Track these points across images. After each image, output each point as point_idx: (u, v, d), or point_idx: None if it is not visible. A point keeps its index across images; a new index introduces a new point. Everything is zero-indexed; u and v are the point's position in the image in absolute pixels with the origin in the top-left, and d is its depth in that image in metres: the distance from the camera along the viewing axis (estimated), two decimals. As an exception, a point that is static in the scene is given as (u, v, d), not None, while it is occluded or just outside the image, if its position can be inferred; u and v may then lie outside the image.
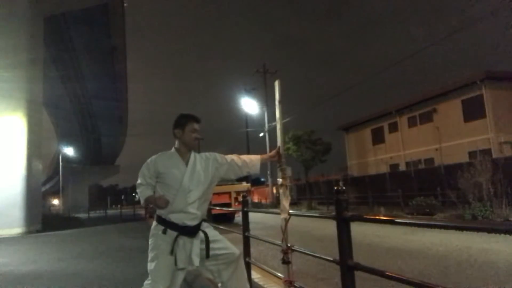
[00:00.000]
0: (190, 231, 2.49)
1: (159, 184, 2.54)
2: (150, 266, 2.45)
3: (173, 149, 2.61)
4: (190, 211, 2.49)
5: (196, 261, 2.45)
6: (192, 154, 2.60)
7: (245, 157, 2.78)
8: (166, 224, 2.47)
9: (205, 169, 2.60)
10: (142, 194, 2.50)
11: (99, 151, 53.09)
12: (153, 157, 2.59)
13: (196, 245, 2.48)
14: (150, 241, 2.51)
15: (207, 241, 2.51)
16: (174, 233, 2.44)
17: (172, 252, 2.41)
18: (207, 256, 2.50)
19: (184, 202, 2.48)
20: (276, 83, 2.88)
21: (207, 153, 2.70)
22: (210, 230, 2.64)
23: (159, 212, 2.52)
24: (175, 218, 2.47)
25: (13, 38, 15.59)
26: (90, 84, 35.53)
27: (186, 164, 2.54)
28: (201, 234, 2.53)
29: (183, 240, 2.45)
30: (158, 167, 2.52)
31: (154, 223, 2.55)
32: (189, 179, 2.50)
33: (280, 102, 2.86)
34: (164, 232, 2.45)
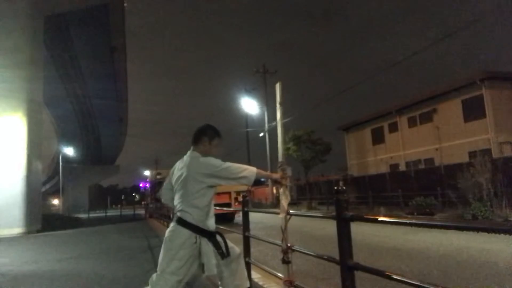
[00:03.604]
0: (213, 235, 2.55)
1: (211, 189, 2.55)
2: (169, 269, 2.43)
3: (199, 154, 2.61)
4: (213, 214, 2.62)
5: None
6: None
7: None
8: (202, 232, 2.48)
9: None
10: (248, 171, 2.52)
11: (99, 151, 53.13)
12: (211, 154, 2.62)
13: (212, 248, 2.53)
14: (179, 247, 2.44)
15: (225, 243, 2.56)
16: (204, 241, 2.47)
17: (200, 259, 2.47)
18: (223, 257, 2.53)
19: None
20: (277, 86, 2.86)
21: None
22: None
23: (195, 220, 2.48)
24: (211, 224, 2.54)
25: (13, 38, 15.60)
26: (90, 84, 35.56)
27: None
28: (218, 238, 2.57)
29: (208, 246, 2.48)
30: None
31: (187, 232, 2.46)
32: None
33: (281, 104, 2.84)
34: (196, 241, 2.46)
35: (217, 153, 2.66)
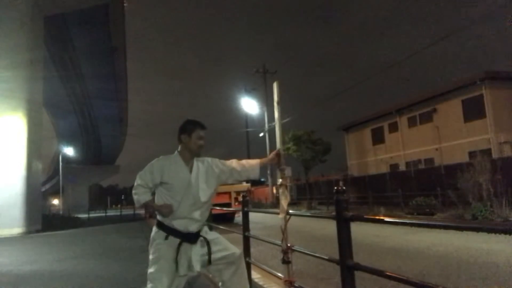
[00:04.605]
0: (192, 237, 2.48)
1: (162, 189, 2.51)
2: (150, 270, 2.44)
3: (176, 154, 2.59)
4: (195, 217, 2.49)
5: (197, 267, 2.46)
6: (195, 160, 2.60)
7: (244, 161, 2.79)
8: (168, 230, 2.46)
9: (209, 175, 2.60)
10: (140, 197, 2.46)
11: (99, 151, 53.09)
12: (158, 160, 2.56)
13: (197, 251, 2.48)
14: (151, 246, 2.48)
15: (208, 247, 2.51)
16: (176, 240, 2.44)
17: (175, 258, 2.41)
18: (209, 262, 2.51)
19: (189, 208, 2.47)
20: (275, 85, 2.87)
21: (208, 159, 2.69)
22: (209, 233, 2.64)
23: (160, 218, 2.49)
24: (178, 224, 2.46)
25: (13, 38, 15.60)
26: (90, 84, 35.52)
27: (190, 170, 2.54)
28: (202, 240, 2.53)
29: (184, 247, 2.44)
30: (163, 172, 2.47)
31: (155, 228, 2.52)
32: (194, 185, 2.50)
33: (278, 103, 2.85)
34: (166, 238, 2.44)
35: (203, 143, 2.59)
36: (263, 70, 29.11)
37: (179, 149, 2.61)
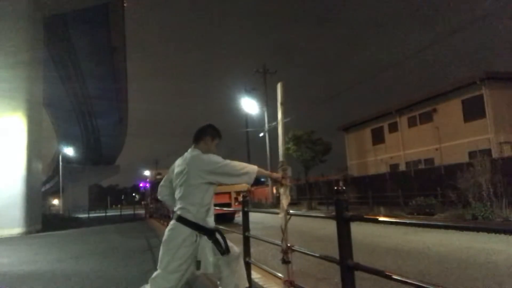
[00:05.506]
0: (213, 232, 2.55)
1: (212, 186, 2.58)
2: (174, 271, 2.42)
3: (200, 152, 2.65)
4: None
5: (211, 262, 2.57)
6: None
7: None
8: (203, 230, 2.49)
9: None
10: (251, 169, 2.56)
11: (99, 151, 53.09)
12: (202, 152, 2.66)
13: (211, 246, 2.54)
14: (179, 247, 2.44)
15: (223, 238, 2.60)
16: (203, 238, 2.48)
17: (197, 257, 2.47)
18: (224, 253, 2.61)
19: None
20: (279, 86, 2.83)
21: None
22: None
23: (195, 218, 2.48)
24: (210, 222, 2.56)
25: (13, 38, 15.60)
26: (90, 84, 35.51)
27: None
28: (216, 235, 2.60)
29: (207, 244, 2.50)
30: None
31: (187, 230, 2.46)
32: None
33: (282, 104, 2.82)
34: (198, 237, 2.46)
35: (216, 152, 2.70)
36: (263, 70, 29.09)
37: (193, 147, 2.68)
